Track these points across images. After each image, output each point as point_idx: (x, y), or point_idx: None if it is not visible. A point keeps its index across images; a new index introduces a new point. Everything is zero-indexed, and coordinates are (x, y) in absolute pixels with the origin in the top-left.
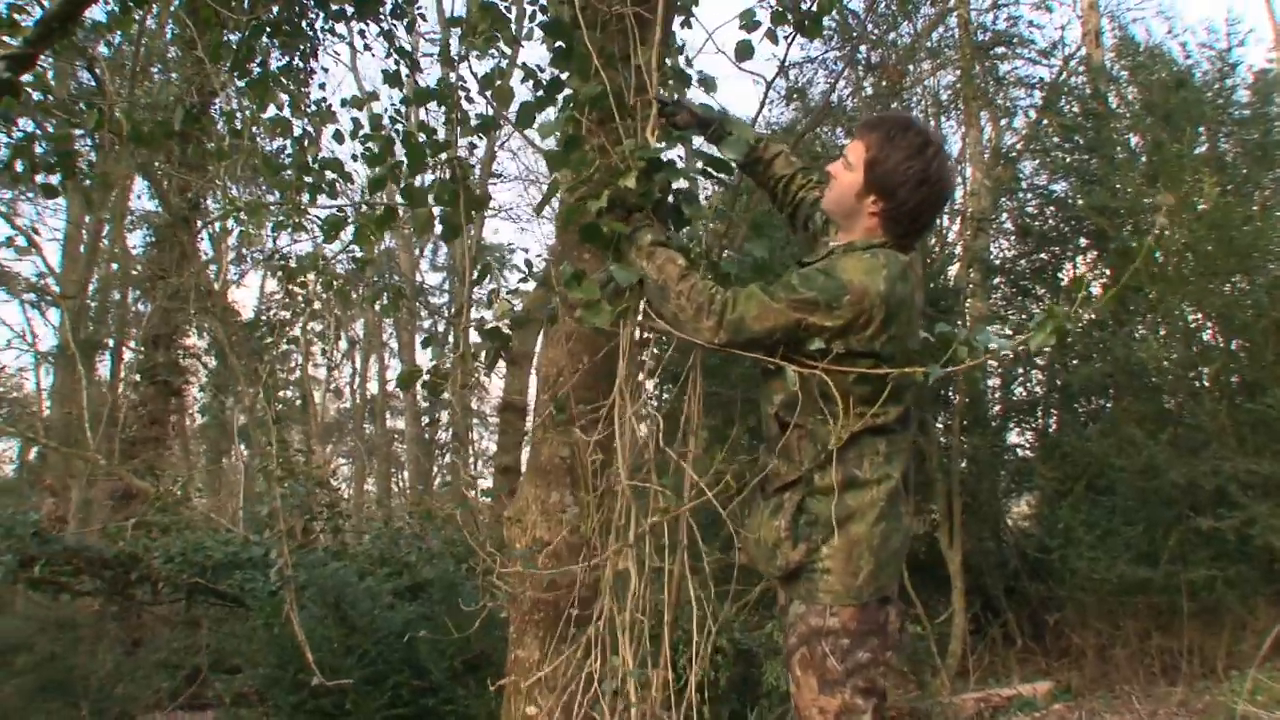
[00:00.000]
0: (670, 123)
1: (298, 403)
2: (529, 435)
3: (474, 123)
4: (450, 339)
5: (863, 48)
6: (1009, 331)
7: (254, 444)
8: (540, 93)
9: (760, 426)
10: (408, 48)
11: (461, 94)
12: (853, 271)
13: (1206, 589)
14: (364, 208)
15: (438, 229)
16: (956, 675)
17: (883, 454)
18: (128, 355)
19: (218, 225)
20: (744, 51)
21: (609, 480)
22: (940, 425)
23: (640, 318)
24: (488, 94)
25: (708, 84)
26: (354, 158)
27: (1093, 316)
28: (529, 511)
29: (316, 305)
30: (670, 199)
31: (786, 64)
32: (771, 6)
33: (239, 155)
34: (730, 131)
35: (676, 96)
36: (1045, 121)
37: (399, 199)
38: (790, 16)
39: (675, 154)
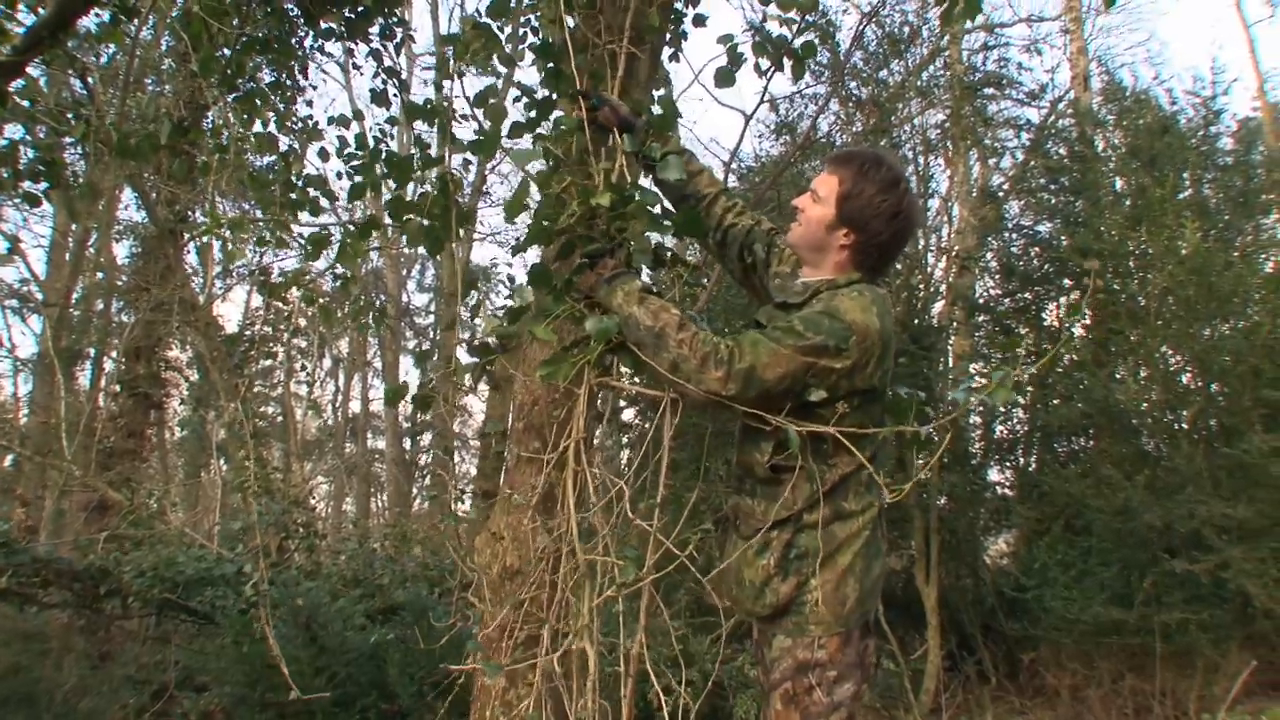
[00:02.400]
0: (592, 119)
1: (279, 419)
2: (505, 461)
3: (467, 142)
4: (436, 357)
5: (853, 84)
6: (983, 372)
7: (232, 459)
8: (533, 113)
9: (732, 466)
10: (396, 67)
11: (453, 113)
12: (852, 311)
13: (1180, 632)
14: (350, 225)
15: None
16: (930, 712)
17: (864, 483)
18: (108, 366)
19: (204, 239)
20: (724, 79)
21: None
22: (920, 462)
23: (601, 372)
24: (481, 111)
25: (665, 109)
26: (339, 175)
27: (1074, 358)
28: (501, 539)
29: (302, 322)
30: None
31: (775, 99)
32: (754, 39)
33: (225, 170)
34: (660, 147)
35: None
36: (1032, 163)
37: (386, 213)
38: (770, 50)
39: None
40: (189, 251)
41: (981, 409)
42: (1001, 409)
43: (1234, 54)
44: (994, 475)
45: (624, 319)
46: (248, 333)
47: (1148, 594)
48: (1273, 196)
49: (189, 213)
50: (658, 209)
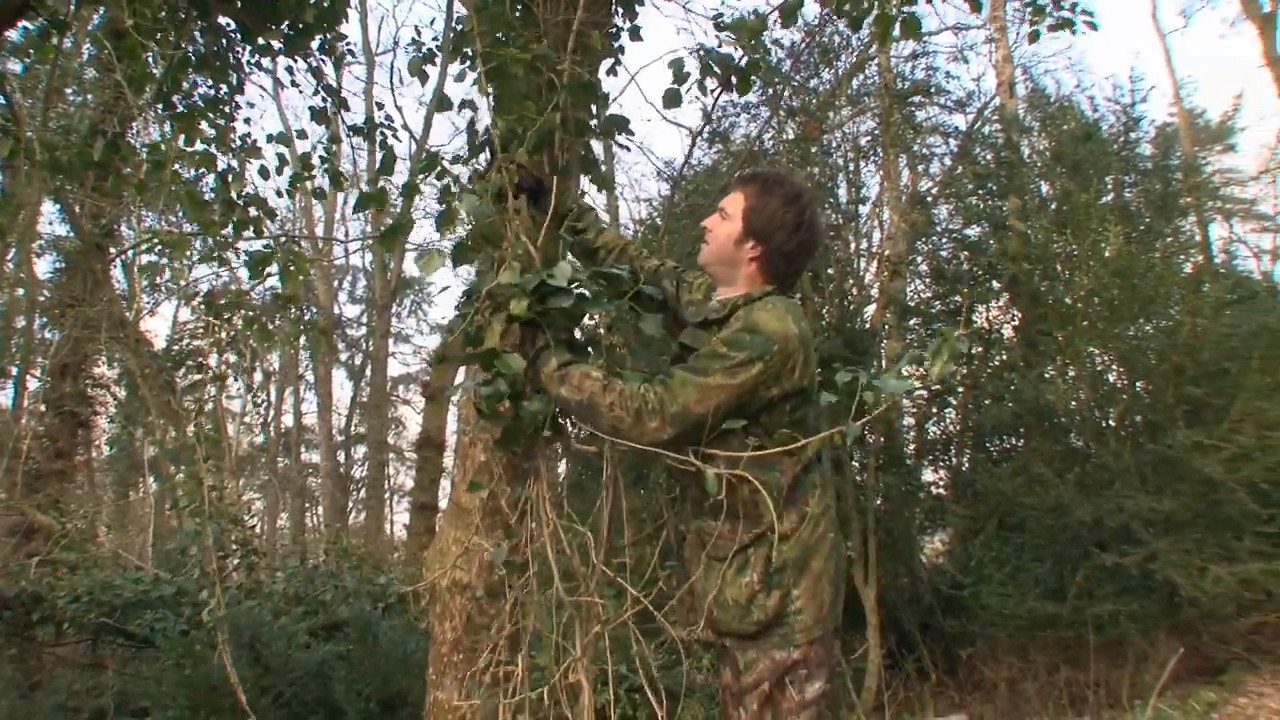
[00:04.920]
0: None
1: (209, 431)
2: (447, 472)
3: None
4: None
5: (785, 92)
6: (912, 369)
7: (165, 478)
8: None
9: (688, 491)
10: (336, 85)
11: (389, 131)
12: (770, 322)
13: (1111, 623)
14: (287, 243)
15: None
16: (872, 710)
17: (819, 485)
18: (32, 384)
19: (132, 254)
20: (672, 100)
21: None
22: (856, 464)
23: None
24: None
25: (619, 124)
26: (278, 194)
27: (1004, 359)
28: (448, 553)
29: (233, 335)
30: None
31: (706, 106)
32: (700, 56)
33: (160, 188)
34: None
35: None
36: (960, 168)
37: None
38: (718, 71)
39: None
40: (115, 266)
41: (914, 409)
42: (934, 410)
43: (1151, 62)
44: (928, 475)
45: (554, 399)
46: (176, 348)
47: (1080, 588)
48: (1190, 200)
49: (115, 227)
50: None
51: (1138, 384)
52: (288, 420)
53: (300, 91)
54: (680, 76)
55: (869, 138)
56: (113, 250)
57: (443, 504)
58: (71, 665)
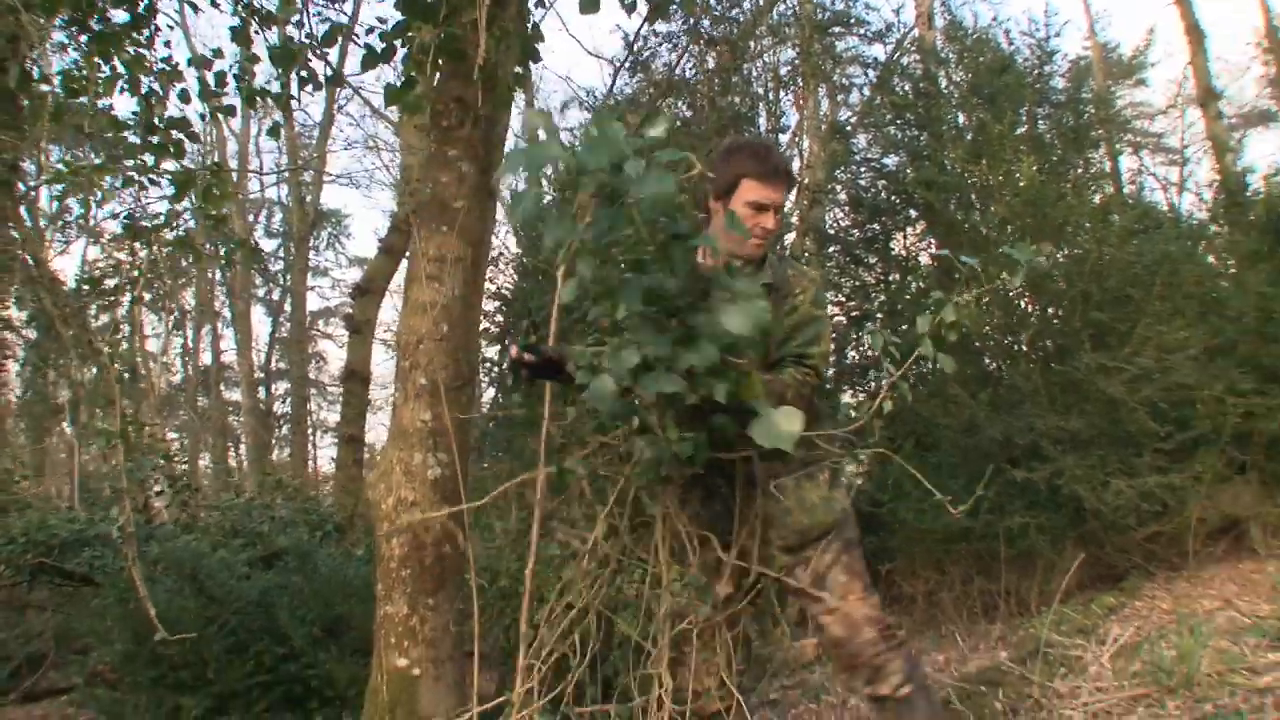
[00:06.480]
0: (530, 368)
1: (126, 375)
2: (393, 399)
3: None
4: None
5: (706, 22)
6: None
7: (81, 419)
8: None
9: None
10: (255, 4)
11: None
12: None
13: (1021, 535)
14: (214, 167)
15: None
16: (795, 624)
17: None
18: None
19: (45, 191)
20: (589, 5)
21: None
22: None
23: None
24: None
25: (531, 54)
26: (201, 117)
27: (920, 285)
28: (393, 473)
29: (149, 275)
30: None
31: (628, 35)
32: None
33: (77, 111)
34: None
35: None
36: (879, 99)
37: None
38: None
39: None
40: (22, 205)
41: (835, 335)
42: (853, 335)
43: None
44: (847, 398)
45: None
46: (87, 287)
47: (992, 503)
48: (1101, 133)
49: (20, 161)
50: None
51: (1048, 309)
52: (206, 358)
53: (220, 10)
54: None
55: (789, 67)
56: (21, 187)
57: (369, 437)
58: (9, 607)
